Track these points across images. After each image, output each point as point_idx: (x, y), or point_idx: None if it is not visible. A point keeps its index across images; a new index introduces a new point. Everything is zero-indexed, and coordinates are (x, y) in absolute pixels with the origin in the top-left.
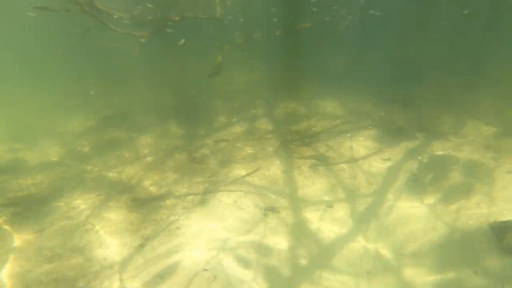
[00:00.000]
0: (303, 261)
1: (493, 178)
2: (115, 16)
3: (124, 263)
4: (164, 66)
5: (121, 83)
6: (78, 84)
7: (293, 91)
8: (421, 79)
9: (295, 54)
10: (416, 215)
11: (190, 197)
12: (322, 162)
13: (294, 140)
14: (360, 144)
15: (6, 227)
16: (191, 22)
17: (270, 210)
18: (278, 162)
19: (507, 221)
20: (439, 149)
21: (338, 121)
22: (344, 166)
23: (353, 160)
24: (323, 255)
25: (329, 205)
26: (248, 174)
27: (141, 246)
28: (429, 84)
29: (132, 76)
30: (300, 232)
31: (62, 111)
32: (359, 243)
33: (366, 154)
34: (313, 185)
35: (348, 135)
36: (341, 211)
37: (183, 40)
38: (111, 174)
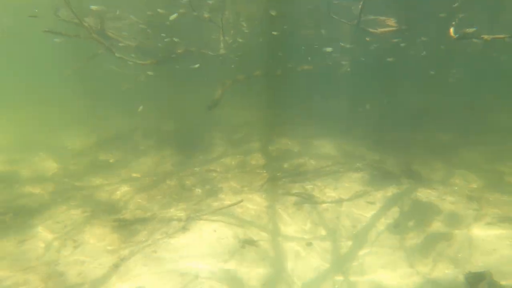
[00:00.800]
0: None
1: (473, 230)
2: (120, 44)
3: (97, 281)
4: (170, 94)
5: (126, 106)
6: (84, 104)
7: (291, 130)
8: (418, 125)
9: (296, 94)
10: (394, 261)
11: (173, 222)
12: (307, 200)
13: (283, 177)
14: (347, 186)
15: None
16: (198, 55)
17: (249, 242)
18: (264, 196)
19: (481, 272)
20: (423, 196)
21: (329, 162)
22: (329, 206)
23: (338, 201)
24: None
25: (309, 243)
26: (231, 205)
27: (116, 266)
28: (425, 131)
29: (137, 100)
30: (276, 267)
31: (65, 128)
32: (335, 285)
33: (351, 196)
34: (295, 222)
35: (337, 176)
36: (320, 250)
37: (197, 65)
38: (101, 194)
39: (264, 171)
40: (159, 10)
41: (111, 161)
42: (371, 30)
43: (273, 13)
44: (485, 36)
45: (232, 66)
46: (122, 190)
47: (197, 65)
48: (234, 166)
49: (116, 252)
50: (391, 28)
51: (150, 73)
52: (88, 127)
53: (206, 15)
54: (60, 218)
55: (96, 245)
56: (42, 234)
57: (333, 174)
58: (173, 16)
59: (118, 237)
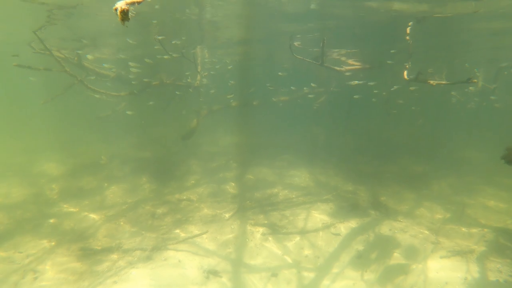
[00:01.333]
0: None
1: (428, 263)
2: (92, 78)
3: None
4: (150, 122)
5: (105, 132)
6: (63, 130)
7: (268, 159)
8: (393, 156)
9: (273, 123)
10: None
11: (138, 252)
12: (275, 231)
13: (254, 207)
14: (315, 217)
15: None
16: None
17: (213, 273)
18: (232, 226)
19: None
20: (387, 229)
21: (301, 192)
22: (295, 237)
23: (304, 232)
24: None
25: (274, 274)
26: (197, 235)
27: None
28: (399, 161)
29: (117, 127)
30: None
31: (44, 153)
32: None
33: (318, 227)
34: (261, 252)
35: (306, 206)
36: (285, 281)
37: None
38: (70, 222)
39: (236, 200)
40: (129, 40)
41: (86, 187)
42: (337, 68)
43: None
44: (431, 81)
45: (201, 99)
46: (93, 218)
47: (178, 93)
48: (207, 195)
49: (76, 283)
50: (356, 66)
51: (129, 112)
52: (67, 153)
53: (174, 55)
54: (24, 248)
55: (56, 276)
56: (0, 266)
57: (302, 204)
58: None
59: (81, 266)
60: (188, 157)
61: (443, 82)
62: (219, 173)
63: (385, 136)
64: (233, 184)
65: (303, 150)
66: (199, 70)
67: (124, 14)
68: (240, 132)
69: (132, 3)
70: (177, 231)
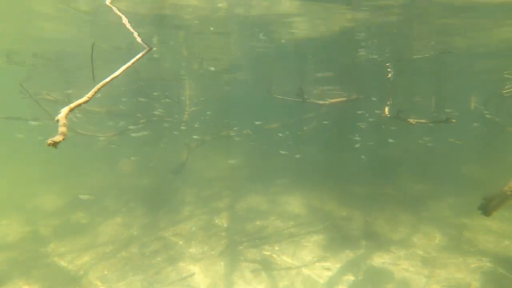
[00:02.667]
0: None
1: None
2: (76, 119)
3: None
4: (147, 150)
5: (100, 163)
6: (59, 161)
7: (263, 184)
8: (390, 174)
9: (266, 149)
10: None
11: None
12: (266, 267)
13: (244, 241)
14: (306, 250)
15: None
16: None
17: None
18: (222, 263)
19: None
20: (379, 261)
21: (293, 221)
22: (286, 272)
23: (295, 267)
24: None
25: None
26: (187, 276)
27: None
28: (397, 181)
29: (112, 158)
30: None
31: (38, 185)
32: None
33: (309, 261)
34: None
35: (297, 239)
36: None
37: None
38: (62, 263)
39: (227, 234)
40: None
41: (80, 223)
42: (320, 102)
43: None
44: (411, 120)
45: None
46: (84, 259)
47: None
48: (199, 229)
49: None
50: (341, 99)
51: (113, 146)
52: (62, 184)
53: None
54: None
55: None
56: None
57: (294, 237)
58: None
59: None
60: (182, 186)
61: (423, 121)
62: (212, 202)
63: (381, 154)
64: (225, 215)
65: (297, 174)
66: (187, 103)
67: (55, 143)
68: (236, 156)
69: (78, 106)
70: (167, 270)
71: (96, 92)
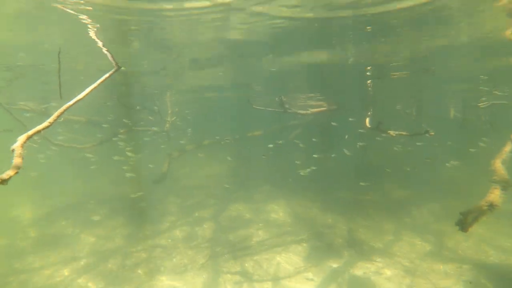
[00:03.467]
0: None
1: None
2: (56, 137)
3: None
4: (127, 159)
5: (81, 172)
6: (33, 173)
7: (247, 191)
8: (375, 180)
9: (250, 157)
10: None
11: None
12: (248, 279)
13: (226, 253)
14: (288, 260)
15: None
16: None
17: None
18: (204, 276)
19: None
20: (361, 271)
21: (277, 230)
22: (268, 284)
23: (278, 279)
24: None
25: None
26: None
27: None
28: (381, 187)
29: (94, 165)
30: None
31: (17, 195)
32: None
33: (291, 272)
34: None
35: (280, 249)
36: None
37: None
38: (39, 278)
39: (210, 245)
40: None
41: (59, 234)
42: (301, 112)
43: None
44: (391, 132)
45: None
46: (63, 273)
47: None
48: (181, 240)
49: None
50: (322, 109)
51: (90, 155)
52: (42, 194)
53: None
54: None
55: None
56: None
57: (277, 247)
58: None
59: None
60: (165, 194)
61: (403, 133)
62: (195, 212)
63: (366, 160)
64: (208, 225)
65: (282, 181)
66: (169, 113)
67: (3, 181)
68: (220, 163)
69: (37, 132)
70: (149, 284)
71: (58, 117)
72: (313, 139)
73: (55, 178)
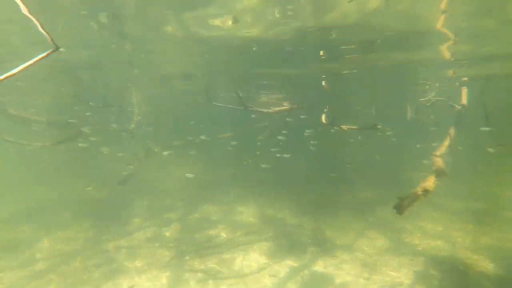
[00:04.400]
0: None
1: None
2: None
3: None
4: (100, 162)
5: (48, 174)
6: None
7: (219, 193)
8: (345, 182)
9: (222, 159)
10: None
11: None
12: (211, 276)
13: (192, 251)
14: (253, 258)
15: None
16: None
17: None
18: (168, 274)
19: None
20: (322, 266)
21: (244, 230)
22: (232, 281)
23: (241, 275)
24: None
25: None
26: None
27: None
28: (351, 188)
29: (59, 170)
30: None
31: None
32: None
33: (255, 269)
34: None
35: (245, 247)
36: None
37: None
38: None
39: (175, 245)
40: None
41: (19, 239)
42: (264, 110)
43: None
44: (343, 126)
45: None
46: (19, 276)
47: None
48: (146, 240)
49: None
50: (285, 107)
51: (55, 156)
52: (4, 198)
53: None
54: None
55: None
56: None
57: (242, 245)
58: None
59: None
60: (136, 197)
61: (353, 127)
62: (164, 213)
63: (338, 162)
64: (175, 225)
65: (254, 183)
66: (136, 112)
67: None
68: (195, 166)
69: None
70: (108, 284)
71: None
72: (279, 138)
73: (20, 182)
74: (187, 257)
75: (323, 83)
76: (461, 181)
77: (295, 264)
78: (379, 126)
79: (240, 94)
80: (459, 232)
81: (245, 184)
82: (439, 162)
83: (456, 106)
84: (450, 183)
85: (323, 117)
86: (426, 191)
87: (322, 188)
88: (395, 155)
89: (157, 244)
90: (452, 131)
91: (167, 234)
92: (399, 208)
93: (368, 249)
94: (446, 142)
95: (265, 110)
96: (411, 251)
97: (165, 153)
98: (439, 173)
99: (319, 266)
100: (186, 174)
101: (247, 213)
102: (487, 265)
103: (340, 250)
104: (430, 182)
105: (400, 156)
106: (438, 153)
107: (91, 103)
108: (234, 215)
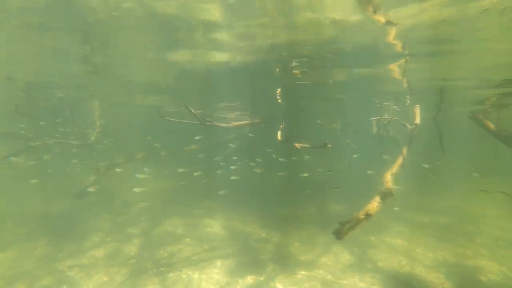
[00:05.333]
0: None
1: None
2: None
3: None
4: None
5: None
6: None
7: (187, 206)
8: (314, 197)
9: (186, 172)
10: None
11: None
12: None
13: (150, 269)
14: (211, 276)
15: None
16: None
17: None
18: None
19: None
20: (280, 285)
21: (207, 245)
22: None
23: None
24: None
25: None
26: None
27: None
28: (320, 201)
29: (14, 184)
30: None
31: None
32: None
33: None
34: None
35: (205, 264)
36: None
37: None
38: None
39: (133, 262)
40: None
41: None
42: (222, 125)
43: None
44: (296, 144)
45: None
46: None
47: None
48: (104, 258)
49: None
50: (245, 122)
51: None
52: None
53: None
54: None
55: None
56: None
57: (203, 262)
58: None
59: None
60: (99, 211)
61: (306, 146)
62: (127, 228)
63: (308, 176)
64: (137, 241)
65: (224, 196)
66: (97, 125)
67: None
68: (165, 178)
69: None
70: None
71: None
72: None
73: None
74: (144, 276)
75: (278, 96)
76: (428, 196)
77: (253, 282)
78: (329, 146)
79: (192, 110)
80: (421, 247)
81: (217, 198)
82: (388, 182)
83: (408, 125)
84: (419, 197)
85: (279, 133)
86: (368, 215)
87: (292, 202)
88: (363, 168)
89: (114, 262)
90: (405, 150)
91: (127, 250)
92: (339, 234)
93: (331, 265)
94: (399, 161)
95: (224, 125)
96: (373, 268)
97: (141, 176)
98: (384, 195)
99: (278, 285)
100: (134, 189)
101: (214, 227)
102: (442, 284)
103: (302, 267)
104: (373, 206)
105: (368, 169)
106: (390, 172)
107: (35, 118)
108: (200, 229)
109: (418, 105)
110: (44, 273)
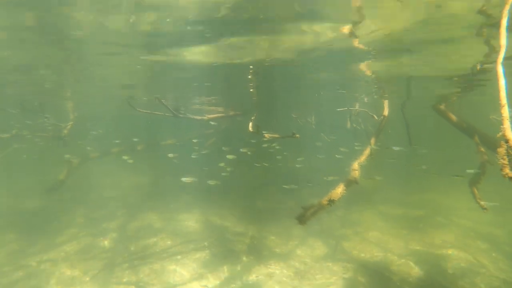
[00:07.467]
0: None
1: None
2: None
3: None
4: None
5: None
6: None
7: (164, 201)
8: (290, 192)
9: (165, 166)
10: None
11: None
12: None
13: (123, 262)
14: (186, 268)
15: None
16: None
17: None
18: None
19: None
20: (254, 276)
21: (182, 239)
22: None
23: (172, 286)
24: None
25: None
26: None
27: None
28: (298, 194)
29: None
30: None
31: None
32: None
33: (186, 279)
34: None
35: (180, 257)
36: None
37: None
38: None
39: (107, 256)
40: None
41: None
42: (196, 117)
43: None
44: (266, 134)
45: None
46: None
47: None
48: (76, 252)
49: None
50: (219, 114)
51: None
52: None
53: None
54: None
55: None
56: None
57: (178, 254)
58: None
59: None
60: (75, 205)
61: (275, 136)
62: (102, 223)
63: (286, 168)
64: (112, 235)
65: (202, 190)
66: (71, 118)
67: None
68: (144, 173)
69: None
70: None
71: None
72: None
73: None
74: (118, 269)
75: (251, 90)
76: (403, 189)
77: (228, 274)
78: (297, 136)
79: (163, 101)
80: (393, 238)
81: (195, 192)
82: (354, 171)
83: (375, 116)
84: (394, 191)
85: (250, 125)
86: (331, 201)
87: (269, 195)
88: (341, 162)
89: (88, 256)
90: (373, 141)
91: (102, 244)
92: (302, 218)
93: (305, 256)
94: (367, 152)
95: (198, 117)
96: (346, 258)
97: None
98: (349, 183)
99: (251, 276)
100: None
101: (191, 221)
102: (410, 270)
103: (276, 259)
104: (336, 193)
105: (345, 162)
106: (357, 162)
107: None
108: (177, 223)
109: (387, 98)
110: (13, 269)
